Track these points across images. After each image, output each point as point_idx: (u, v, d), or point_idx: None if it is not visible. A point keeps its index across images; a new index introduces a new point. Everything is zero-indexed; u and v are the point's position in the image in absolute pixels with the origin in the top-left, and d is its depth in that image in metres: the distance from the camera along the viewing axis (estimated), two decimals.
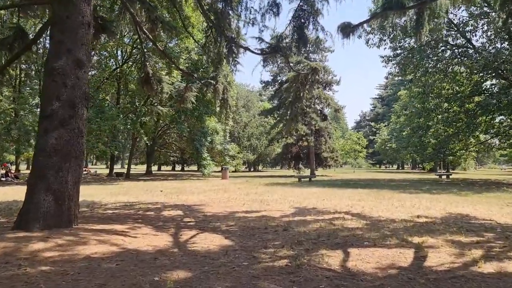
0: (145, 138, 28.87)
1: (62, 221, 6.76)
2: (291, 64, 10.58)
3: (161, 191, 17.34)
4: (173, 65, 16.03)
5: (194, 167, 56.95)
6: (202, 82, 11.31)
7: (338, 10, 19.07)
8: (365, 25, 11.11)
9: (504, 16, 8.38)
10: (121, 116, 27.29)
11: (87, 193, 15.74)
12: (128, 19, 11.85)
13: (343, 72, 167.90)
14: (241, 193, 16.22)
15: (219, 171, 36.77)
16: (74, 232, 6.57)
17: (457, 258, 5.23)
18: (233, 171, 45.20)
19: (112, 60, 31.76)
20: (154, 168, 60.40)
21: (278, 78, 37.90)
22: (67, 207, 6.83)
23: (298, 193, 15.94)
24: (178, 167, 67.90)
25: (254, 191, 17.40)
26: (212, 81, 10.96)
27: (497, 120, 25.61)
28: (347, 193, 16.11)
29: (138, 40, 13.17)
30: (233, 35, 9.53)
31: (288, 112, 12.66)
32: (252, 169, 63.26)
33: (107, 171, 36.98)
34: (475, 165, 66.25)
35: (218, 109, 12.34)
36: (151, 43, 18.93)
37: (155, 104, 25.69)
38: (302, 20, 9.21)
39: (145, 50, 12.49)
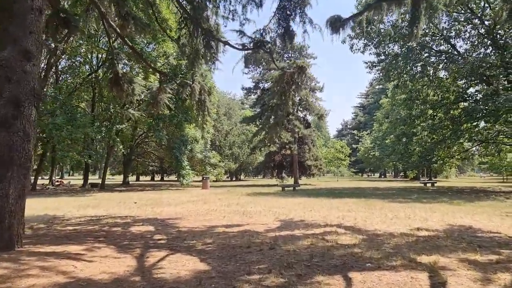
0: (121, 147, 27.44)
1: (1, 243, 5.57)
2: (276, 62, 9.62)
3: (135, 202, 16.06)
4: (147, 66, 14.81)
5: (174, 177, 55.34)
6: (178, 82, 10.24)
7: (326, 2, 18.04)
8: (351, 23, 10.25)
9: (508, 8, 7.63)
10: (97, 123, 25.87)
11: (52, 206, 14.38)
12: (97, 13, 10.77)
13: (324, 81, 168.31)
14: (222, 204, 15.09)
15: (199, 181, 35.50)
16: (15, 256, 5.40)
17: (483, 285, 4.27)
18: (214, 181, 43.86)
19: (87, 65, 30.30)
20: (132, 178, 58.56)
21: (260, 84, 37.01)
22: (8, 226, 5.65)
23: (283, 204, 14.91)
24: (157, 177, 66.17)
25: (236, 201, 16.29)
26: (188, 81, 9.90)
27: (481, 127, 25.20)
28: (335, 203, 15.17)
29: (107, 36, 11.96)
30: (211, 29, 8.52)
31: (272, 116, 11.69)
32: (234, 178, 62.00)
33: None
34: (456, 173, 66.60)
35: (195, 111, 11.22)
36: (125, 46, 17.87)
37: (127, 107, 24.21)
38: (288, 12, 8.29)
39: (113, 47, 11.37)
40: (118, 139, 27.58)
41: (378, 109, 64.96)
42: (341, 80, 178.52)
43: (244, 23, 8.74)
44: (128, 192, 24.93)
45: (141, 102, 23.39)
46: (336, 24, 8.69)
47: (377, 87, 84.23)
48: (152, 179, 63.23)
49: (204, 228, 8.74)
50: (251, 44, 8.62)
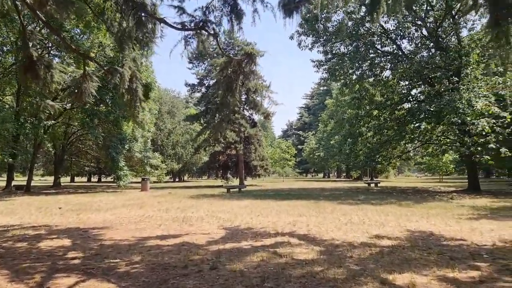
0: (49, 145, 24.77)
1: None
2: (221, 48, 8.41)
3: (60, 208, 14.09)
4: (66, 45, 12.72)
5: (112, 178, 52.25)
6: (105, 68, 8.69)
7: None
8: (299, 29, 9.29)
9: None
10: (22, 119, 23.03)
11: None
12: None
13: (269, 81, 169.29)
14: (160, 208, 13.60)
15: (139, 182, 33.34)
16: None
17: None
18: (155, 182, 41.77)
19: (13, 56, 27.05)
20: (66, 179, 54.62)
21: (205, 81, 35.44)
22: None
23: (228, 207, 13.72)
24: (95, 178, 62.28)
25: (177, 205, 14.86)
26: (118, 68, 8.41)
27: (422, 128, 25.59)
28: (284, 205, 14.21)
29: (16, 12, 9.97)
30: (144, 3, 7.13)
31: (217, 112, 10.42)
32: (177, 179, 59.77)
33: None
34: (395, 173, 69.03)
35: (125, 102, 9.62)
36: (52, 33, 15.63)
37: (44, 98, 21.55)
38: None
39: (25, 23, 9.56)
40: (46, 137, 24.91)
41: (323, 110, 65.74)
42: (286, 81, 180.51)
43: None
44: (56, 195, 22.46)
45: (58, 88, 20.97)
46: (289, 5, 7.65)
47: (321, 88, 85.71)
48: (89, 180, 59.39)
49: (133, 241, 7.33)
50: (192, 24, 7.35)
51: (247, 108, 34.84)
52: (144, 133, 32.58)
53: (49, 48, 25.46)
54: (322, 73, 26.22)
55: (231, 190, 24.35)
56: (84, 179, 62.47)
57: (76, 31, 25.07)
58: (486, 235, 7.56)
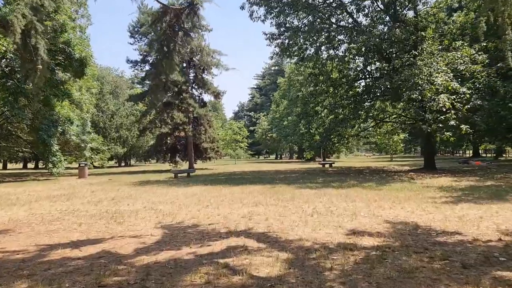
0: None
1: None
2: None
3: None
4: None
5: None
6: None
7: None
8: None
9: None
10: None
11: None
12: None
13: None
14: (91, 200, 11.44)
15: (77, 168, 30.31)
16: None
17: None
18: (97, 167, 38.58)
19: None
20: None
21: (149, 58, 32.57)
22: None
23: (173, 197, 11.81)
24: (32, 165, 57.20)
25: (112, 195, 12.74)
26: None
27: (377, 106, 24.79)
28: (237, 192, 12.51)
29: None
30: None
31: (153, 79, 8.45)
32: (122, 164, 56.31)
33: None
34: (345, 153, 69.47)
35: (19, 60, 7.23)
36: None
37: None
38: None
39: None
40: None
41: (274, 91, 64.40)
42: (236, 61, 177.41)
43: None
44: None
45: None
46: None
47: (273, 68, 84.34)
48: (25, 167, 54.40)
49: (32, 252, 5.33)
50: None
51: (196, 87, 32.56)
52: (82, 115, 29.47)
53: None
54: (275, 48, 24.48)
55: (179, 175, 22.32)
56: (20, 165, 57.28)
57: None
58: (482, 226, 6.31)
